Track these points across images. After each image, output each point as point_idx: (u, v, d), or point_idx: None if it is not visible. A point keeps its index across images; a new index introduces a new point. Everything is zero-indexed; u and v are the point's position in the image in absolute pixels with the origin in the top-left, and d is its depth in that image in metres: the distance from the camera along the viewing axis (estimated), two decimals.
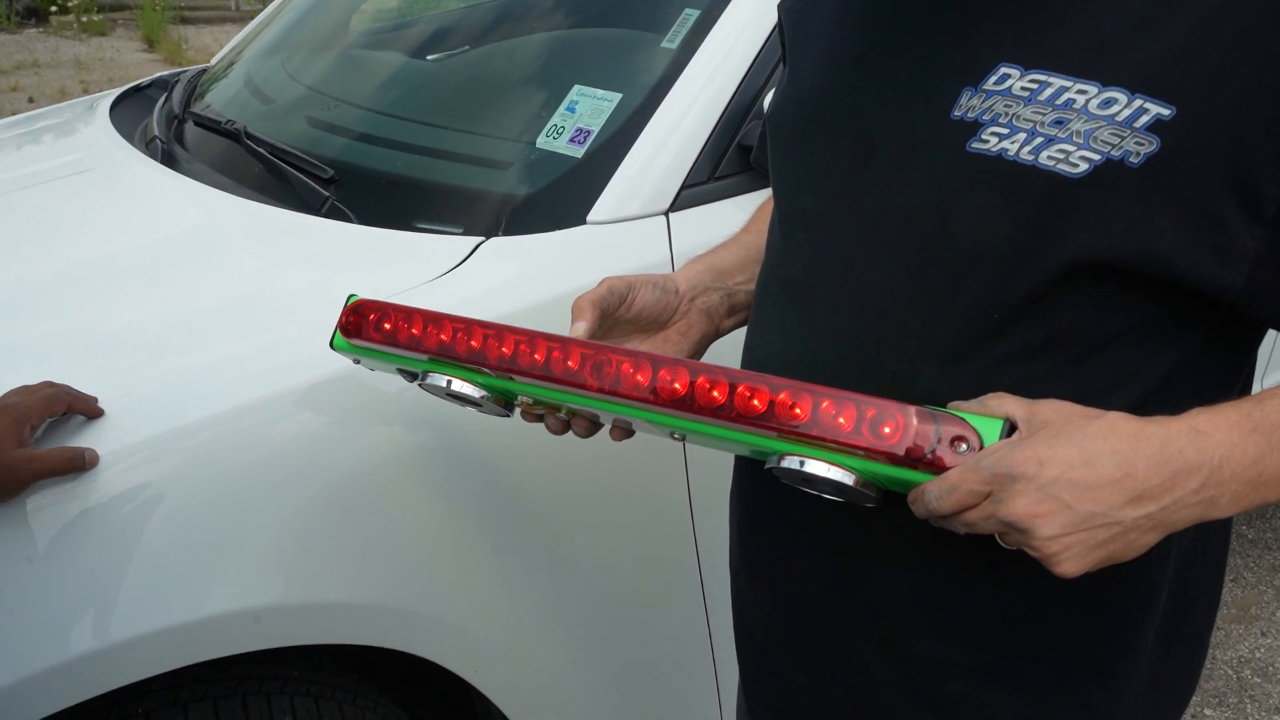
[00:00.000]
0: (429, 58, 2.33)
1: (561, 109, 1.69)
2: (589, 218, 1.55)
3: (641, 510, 1.60)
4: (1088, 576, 0.81)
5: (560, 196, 1.60)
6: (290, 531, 1.30)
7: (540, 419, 1.04)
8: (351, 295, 1.08)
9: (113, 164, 2.03)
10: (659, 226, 1.55)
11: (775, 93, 1.14)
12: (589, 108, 1.67)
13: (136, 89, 2.60)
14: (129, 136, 2.16)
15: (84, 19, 12.30)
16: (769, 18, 1.58)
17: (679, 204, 1.58)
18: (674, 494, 1.57)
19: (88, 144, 2.17)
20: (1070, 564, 0.78)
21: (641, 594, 1.62)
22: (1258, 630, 2.64)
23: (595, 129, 1.63)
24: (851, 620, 1.02)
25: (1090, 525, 0.77)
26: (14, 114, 7.60)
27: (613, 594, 1.59)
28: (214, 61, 2.62)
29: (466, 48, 2.31)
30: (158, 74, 2.79)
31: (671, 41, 1.69)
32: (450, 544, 1.42)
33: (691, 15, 1.69)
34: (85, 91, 8.87)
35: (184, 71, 2.63)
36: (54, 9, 12.59)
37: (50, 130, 2.42)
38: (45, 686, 1.15)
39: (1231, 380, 0.95)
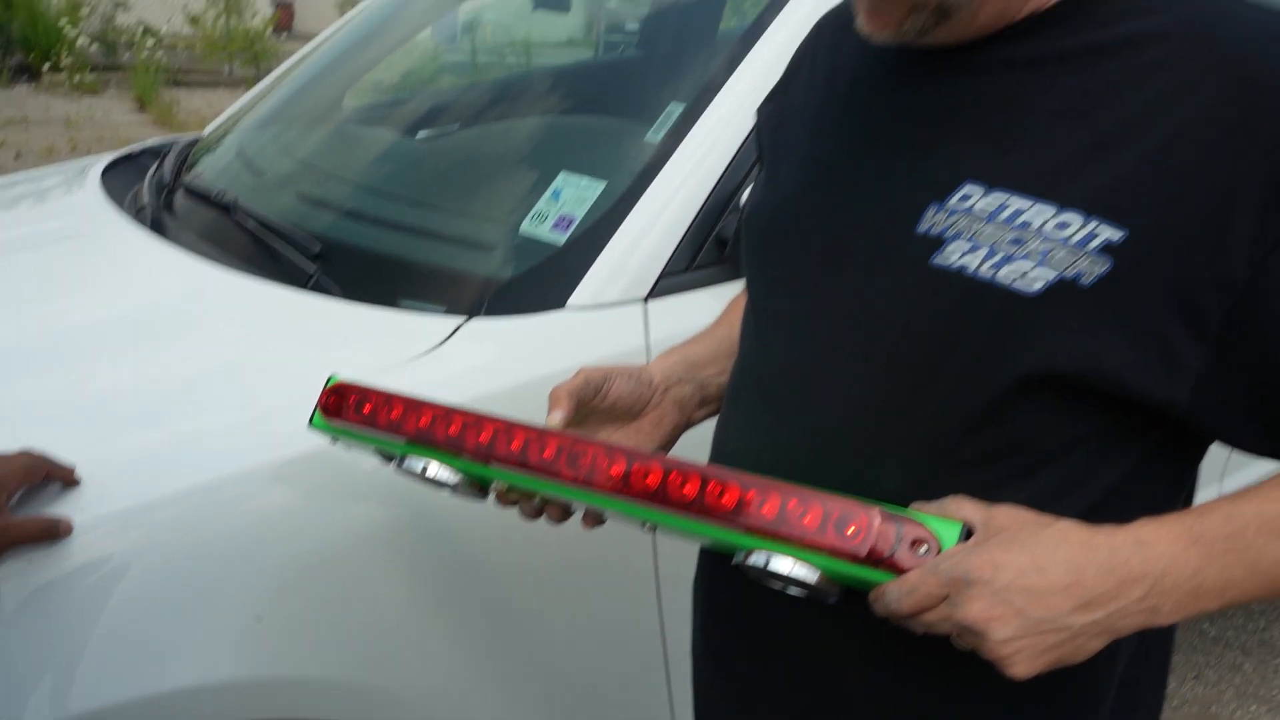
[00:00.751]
0: (419, 136, 2.37)
1: (547, 195, 1.72)
2: (569, 302, 1.56)
3: (608, 596, 1.60)
4: (1038, 678, 0.83)
5: (542, 281, 1.62)
6: (254, 606, 1.30)
7: (514, 504, 1.05)
8: (332, 376, 1.09)
9: (101, 230, 2.03)
10: (637, 313, 1.56)
11: (752, 194, 1.17)
12: (573, 195, 1.70)
13: (129, 156, 2.61)
14: (119, 202, 2.16)
15: (76, 78, 12.35)
16: (749, 117, 1.60)
17: (657, 292, 1.59)
18: (641, 578, 1.57)
19: (78, 209, 2.18)
20: (1021, 666, 0.79)
21: (606, 678, 1.62)
22: None
23: (578, 216, 1.66)
24: (809, 712, 1.03)
25: (1041, 630, 0.79)
26: (0, 168, 7.64)
27: (577, 678, 1.58)
28: (207, 131, 2.65)
29: (456, 127, 2.37)
30: (150, 140, 2.81)
31: (656, 134, 1.72)
32: (416, 624, 1.41)
33: (676, 110, 1.73)
34: (73, 149, 8.86)
35: (176, 139, 2.65)
36: (46, 66, 12.69)
37: (42, 193, 2.42)
38: None
39: (1178, 489, 0.97)
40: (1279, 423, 0.88)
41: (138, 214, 2.07)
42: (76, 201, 2.22)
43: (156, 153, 2.59)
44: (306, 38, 19.50)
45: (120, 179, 2.38)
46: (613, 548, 1.54)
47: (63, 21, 13.08)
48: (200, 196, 2.06)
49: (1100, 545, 0.81)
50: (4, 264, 1.97)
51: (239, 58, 14.60)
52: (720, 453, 1.08)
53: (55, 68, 12.59)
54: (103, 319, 1.70)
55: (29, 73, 12.74)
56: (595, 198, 1.68)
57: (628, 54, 2.82)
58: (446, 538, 1.42)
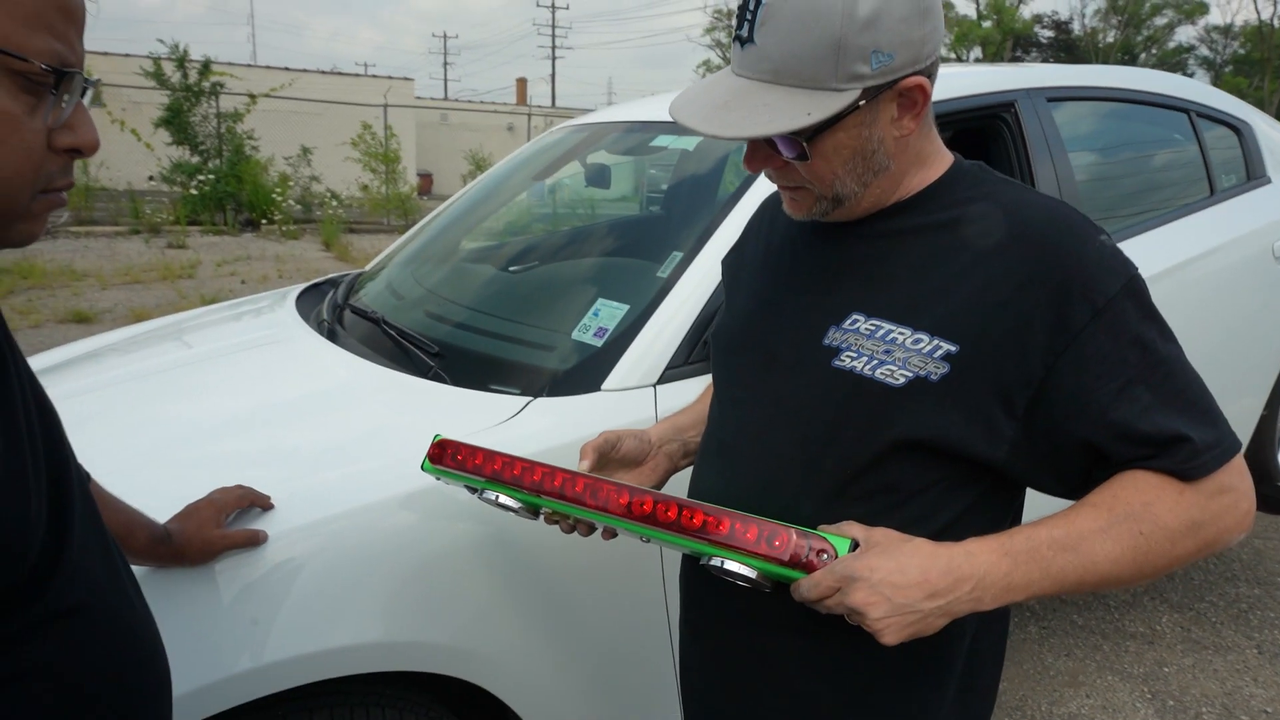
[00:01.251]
0: (510, 269, 2.34)
1: (589, 313, 1.71)
2: (603, 386, 1.55)
3: (625, 584, 1.56)
4: (907, 645, 0.83)
5: (584, 372, 1.59)
6: (391, 590, 1.29)
7: (557, 523, 1.06)
8: (437, 435, 1.11)
9: (294, 337, 2.04)
10: (649, 394, 1.54)
11: (716, 319, 1.18)
12: (607, 313, 1.69)
13: (315, 285, 2.61)
14: (307, 318, 2.18)
15: (283, 228, 12.60)
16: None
17: (664, 379, 1.57)
18: (650, 574, 1.54)
19: (280, 323, 2.18)
20: (890, 636, 0.81)
21: (625, 640, 1.59)
22: (1083, 693, 2.56)
23: (610, 328, 1.64)
24: (759, 667, 1.02)
25: (902, 612, 0.80)
26: (231, 291, 7.76)
27: (605, 640, 1.55)
28: (367, 268, 2.65)
29: (534, 264, 2.34)
30: (330, 275, 2.80)
31: (663, 272, 1.72)
32: (494, 603, 1.39)
33: (677, 256, 1.72)
34: (280, 277, 8.91)
35: (346, 274, 2.65)
36: (264, 221, 12.97)
37: (258, 311, 2.43)
38: (229, 688, 1.15)
39: (1005, 517, 0.96)
40: (1066, 474, 0.89)
41: (319, 326, 2.08)
42: (279, 318, 2.23)
43: (333, 283, 2.60)
44: (441, 198, 19.79)
45: (309, 301, 2.39)
46: (627, 553, 1.47)
47: (276, 190, 13.35)
48: (360, 314, 2.04)
49: (941, 554, 0.82)
50: (233, 358, 1.99)
51: (394, 212, 14.81)
52: (695, 491, 1.08)
53: (270, 221, 12.82)
54: (293, 397, 1.71)
55: (252, 225, 13.03)
56: (622, 315, 1.67)
57: (649, 212, 2.77)
58: (515, 546, 1.41)
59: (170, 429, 1.57)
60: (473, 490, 1.10)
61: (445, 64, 56.33)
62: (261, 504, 1.24)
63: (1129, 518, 0.82)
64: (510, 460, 1.03)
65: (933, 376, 0.86)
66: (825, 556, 0.84)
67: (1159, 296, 2.24)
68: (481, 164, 15.44)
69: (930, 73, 0.89)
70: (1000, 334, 0.85)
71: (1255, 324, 2.48)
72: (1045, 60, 40.41)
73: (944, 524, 0.91)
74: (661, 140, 2.16)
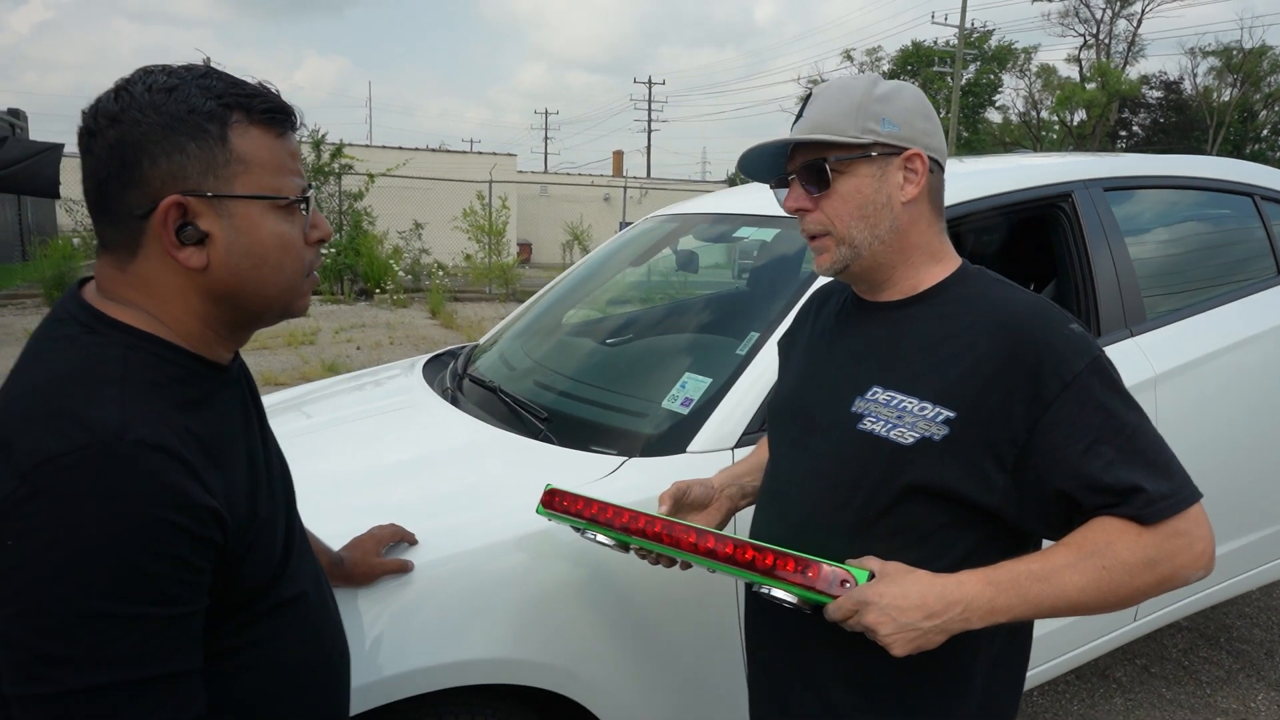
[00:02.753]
0: (608, 343, 2.56)
1: (678, 385, 1.91)
2: (688, 449, 1.72)
3: (706, 617, 1.69)
4: (925, 663, 1.01)
5: (673, 436, 1.77)
6: (510, 616, 1.49)
7: (644, 557, 1.27)
8: (548, 485, 1.35)
9: (423, 402, 2.29)
10: (728, 456, 1.71)
11: (771, 391, 1.40)
12: (693, 385, 1.88)
13: (438, 355, 2.87)
14: (432, 384, 2.43)
15: (395, 297, 13.31)
16: None
17: (740, 443, 1.73)
18: (728, 609, 1.68)
19: (410, 389, 2.44)
20: (898, 649, 0.98)
21: (701, 664, 1.70)
22: None
23: (695, 398, 1.84)
24: (798, 674, 1.19)
25: (905, 629, 0.98)
26: (348, 357, 8.24)
27: (685, 663, 1.68)
28: (482, 341, 2.90)
29: (629, 338, 2.56)
30: (449, 347, 3.05)
31: (741, 350, 1.90)
32: (592, 631, 1.56)
33: (754, 335, 1.91)
34: (391, 343, 9.43)
35: (465, 346, 2.93)
36: (378, 290, 13.75)
37: (394, 378, 2.67)
38: (382, 688, 1.36)
39: (1010, 555, 1.08)
40: (1049, 519, 1.06)
41: (443, 392, 2.32)
42: (409, 384, 2.51)
43: (453, 354, 2.85)
44: (541, 267, 20.23)
45: (433, 370, 2.66)
46: (707, 589, 1.67)
47: (390, 262, 14.13)
48: (478, 383, 2.28)
49: (936, 583, 0.99)
50: (373, 421, 2.27)
51: (496, 281, 15.45)
52: (753, 529, 1.27)
53: (382, 290, 13.46)
54: (424, 454, 1.96)
55: (366, 294, 13.73)
56: (705, 387, 1.85)
57: (730, 291, 2.92)
58: (611, 582, 1.57)
59: (331, 477, 1.84)
60: (577, 530, 1.32)
61: (546, 138, 58.88)
62: (409, 539, 1.50)
63: (1094, 554, 0.99)
64: (605, 505, 1.26)
65: (936, 436, 1.05)
66: (847, 585, 1.01)
67: (1224, 370, 2.39)
68: (579, 235, 16.02)
69: (934, 165, 1.14)
70: (990, 403, 1.04)
71: None
72: (1155, 121, 39.19)
73: (957, 559, 1.08)
74: (744, 231, 2.42)
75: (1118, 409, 1.03)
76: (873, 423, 1.11)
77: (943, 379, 1.08)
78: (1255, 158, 38.29)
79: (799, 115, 1.17)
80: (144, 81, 0.87)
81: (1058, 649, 2.20)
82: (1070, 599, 0.99)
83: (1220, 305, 2.38)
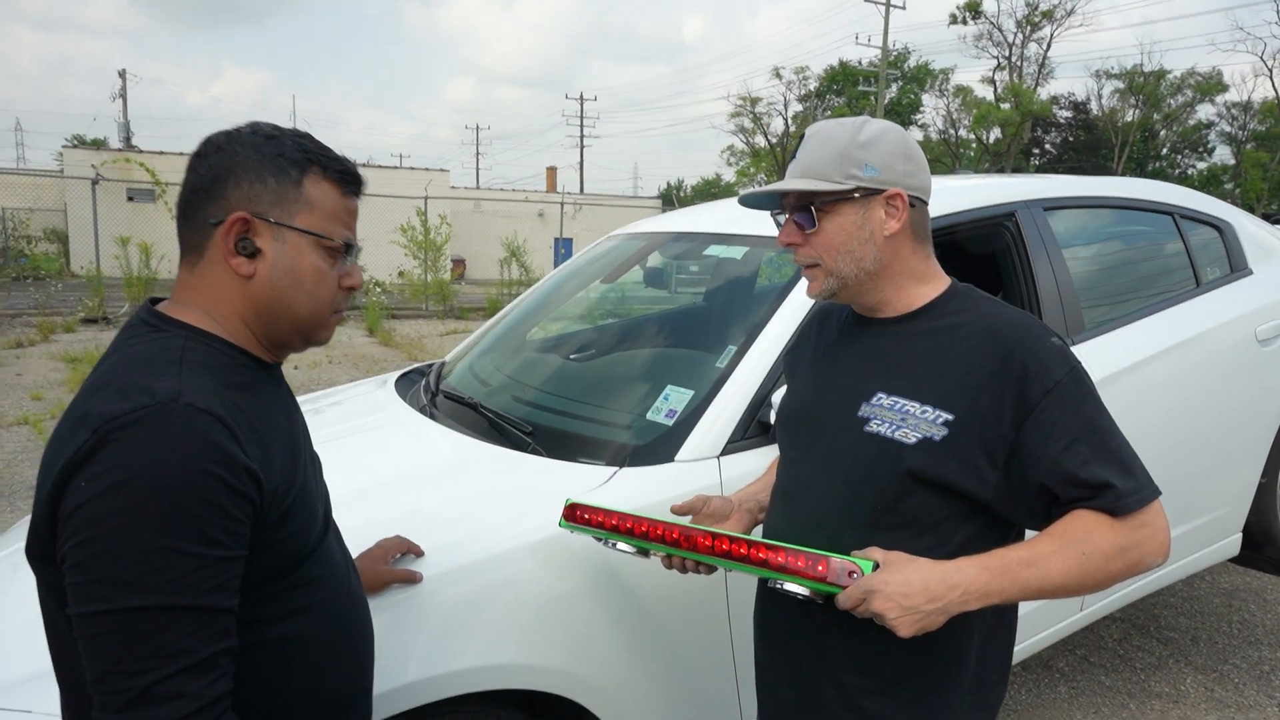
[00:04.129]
0: (576, 357, 2.60)
1: (661, 397, 1.98)
2: (676, 458, 1.79)
3: (697, 625, 1.76)
4: (926, 644, 1.11)
5: (660, 446, 1.84)
6: (513, 623, 1.54)
7: (667, 564, 1.34)
8: (569, 499, 1.40)
9: (399, 417, 2.32)
10: (714, 464, 1.79)
11: (780, 399, 1.48)
12: (676, 397, 1.96)
13: (407, 373, 2.88)
14: (405, 399, 2.46)
15: None
16: (771, 356, 1.90)
17: (725, 452, 1.81)
18: (718, 617, 1.78)
19: (385, 404, 2.47)
20: (904, 630, 1.07)
21: (693, 667, 1.78)
22: None
23: (679, 410, 1.91)
24: (812, 661, 1.28)
25: (910, 612, 1.07)
26: (286, 376, 8.02)
27: (677, 659, 1.75)
28: (448, 359, 2.90)
29: (600, 352, 2.60)
30: (415, 365, 3.05)
31: (721, 362, 1.98)
32: (598, 636, 1.63)
33: (731, 349, 1.99)
34: (329, 361, 9.27)
35: (432, 364, 2.93)
36: None
37: (365, 395, 2.71)
38: (394, 697, 1.40)
39: (1004, 542, 1.21)
40: (1033, 511, 1.17)
41: (420, 408, 2.35)
42: (383, 400, 2.53)
43: (422, 372, 2.87)
44: (476, 283, 19.95)
45: (405, 386, 2.68)
46: (700, 600, 1.75)
47: None
48: (454, 398, 2.30)
49: (937, 569, 1.09)
50: (352, 439, 2.27)
51: (433, 298, 15.31)
52: (766, 528, 1.36)
53: None
54: (410, 469, 1.98)
55: None
56: (688, 399, 1.93)
57: (701, 306, 2.94)
58: (608, 588, 1.64)
59: (334, 492, 1.86)
60: (598, 539, 1.39)
61: (478, 154, 58.48)
62: (415, 551, 1.55)
63: (1075, 542, 1.11)
64: (624, 516, 1.34)
65: (936, 437, 1.16)
66: (854, 575, 1.10)
67: (1151, 377, 2.55)
68: (515, 250, 15.99)
69: (915, 200, 1.26)
70: (982, 406, 1.16)
71: (1245, 400, 2.76)
72: (1065, 140, 41.14)
73: (955, 548, 1.19)
74: (712, 250, 2.52)
75: (1092, 413, 1.16)
76: (879, 425, 1.21)
77: (941, 385, 1.19)
78: (1156, 174, 40.53)
79: (794, 155, 1.29)
80: (253, 127, 1.07)
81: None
82: (1055, 581, 1.11)
83: (1149, 315, 2.59)
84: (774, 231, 1.29)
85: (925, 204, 1.30)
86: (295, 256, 1.04)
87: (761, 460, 1.77)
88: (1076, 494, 1.14)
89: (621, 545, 1.34)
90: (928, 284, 1.29)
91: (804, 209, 1.26)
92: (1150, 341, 2.53)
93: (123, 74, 39.34)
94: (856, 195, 1.23)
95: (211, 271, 1.04)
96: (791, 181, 1.26)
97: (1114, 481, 1.12)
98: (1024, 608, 2.26)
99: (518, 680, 1.55)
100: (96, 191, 13.90)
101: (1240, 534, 2.94)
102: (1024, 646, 2.41)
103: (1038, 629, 2.42)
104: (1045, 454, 1.14)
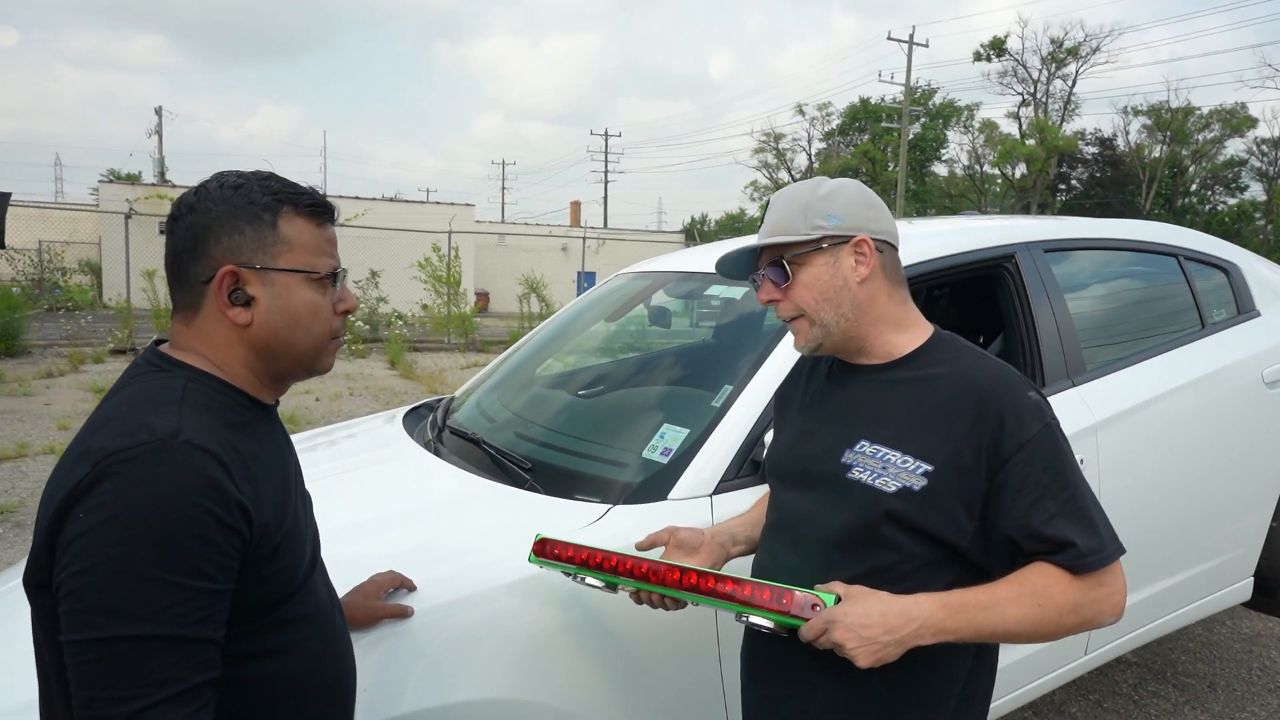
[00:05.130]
0: (583, 394, 2.64)
1: (656, 436, 2.02)
2: (669, 496, 1.82)
3: (686, 659, 1.78)
4: (910, 680, 1.14)
5: (654, 484, 1.86)
6: (503, 657, 1.57)
7: (635, 597, 1.36)
8: (539, 534, 1.43)
9: (405, 453, 2.36)
10: (706, 503, 1.81)
11: (770, 444, 1.50)
12: (672, 436, 1.99)
13: (415, 408, 2.93)
14: (412, 435, 2.50)
15: (352, 348, 13.26)
16: (766, 395, 1.92)
17: (718, 490, 1.83)
18: (708, 652, 1.78)
19: (392, 441, 2.51)
20: (862, 661, 1.10)
21: (680, 695, 1.79)
22: None
23: (674, 448, 1.94)
24: (796, 700, 1.30)
25: (868, 643, 1.10)
26: (306, 409, 8.16)
27: (664, 694, 1.76)
28: (458, 395, 2.95)
29: (605, 390, 2.63)
30: (425, 400, 3.11)
31: (718, 401, 2.01)
32: (580, 667, 1.65)
33: (728, 389, 2.01)
34: (351, 394, 9.38)
35: (441, 398, 2.98)
36: None
37: (373, 431, 2.75)
38: None
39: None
40: (1003, 558, 1.20)
41: (425, 444, 2.39)
42: (391, 435, 2.57)
43: (430, 407, 2.93)
44: (498, 316, 20.12)
45: (413, 421, 2.72)
46: (689, 634, 1.76)
47: None
48: (459, 434, 2.34)
49: (896, 602, 1.12)
50: (359, 473, 2.32)
51: (455, 331, 15.49)
52: (755, 567, 1.40)
53: None
54: (415, 504, 2.02)
55: None
56: (683, 438, 1.96)
57: (703, 344, 2.99)
58: (597, 623, 1.66)
59: (327, 528, 1.88)
60: (567, 574, 1.41)
61: (503, 189, 59.30)
62: (408, 586, 1.58)
63: (1032, 593, 1.15)
64: (594, 551, 1.37)
65: (915, 486, 1.19)
66: (817, 608, 1.13)
67: (1155, 418, 2.55)
68: (535, 286, 16.15)
69: (882, 245, 1.31)
70: (960, 459, 1.19)
71: (1253, 442, 2.74)
72: (1091, 175, 40.96)
73: (939, 590, 1.19)
74: (714, 290, 2.56)
75: (1063, 470, 1.19)
76: (860, 472, 1.24)
77: (922, 435, 1.22)
78: (1186, 211, 40.16)
79: (761, 221, 1.36)
80: (219, 180, 1.10)
81: (1015, 683, 2.33)
82: (1008, 628, 1.14)
83: (1152, 357, 2.59)
84: None
85: (894, 249, 1.34)
86: (287, 296, 1.09)
87: (755, 499, 1.78)
88: (1039, 548, 1.17)
89: (590, 580, 1.36)
90: (907, 331, 1.32)
91: (777, 264, 1.32)
92: (1154, 383, 2.53)
93: (159, 111, 40.47)
94: (825, 245, 1.29)
95: (209, 324, 1.08)
96: (761, 236, 1.33)
97: (1076, 540, 1.16)
98: (1026, 649, 2.28)
99: (506, 715, 1.57)
100: (129, 225, 14.27)
101: (1252, 578, 2.90)
102: (1028, 689, 2.39)
103: (1042, 671, 2.40)
104: (1014, 508, 1.17)
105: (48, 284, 20.04)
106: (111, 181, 29.94)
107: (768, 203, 1.36)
